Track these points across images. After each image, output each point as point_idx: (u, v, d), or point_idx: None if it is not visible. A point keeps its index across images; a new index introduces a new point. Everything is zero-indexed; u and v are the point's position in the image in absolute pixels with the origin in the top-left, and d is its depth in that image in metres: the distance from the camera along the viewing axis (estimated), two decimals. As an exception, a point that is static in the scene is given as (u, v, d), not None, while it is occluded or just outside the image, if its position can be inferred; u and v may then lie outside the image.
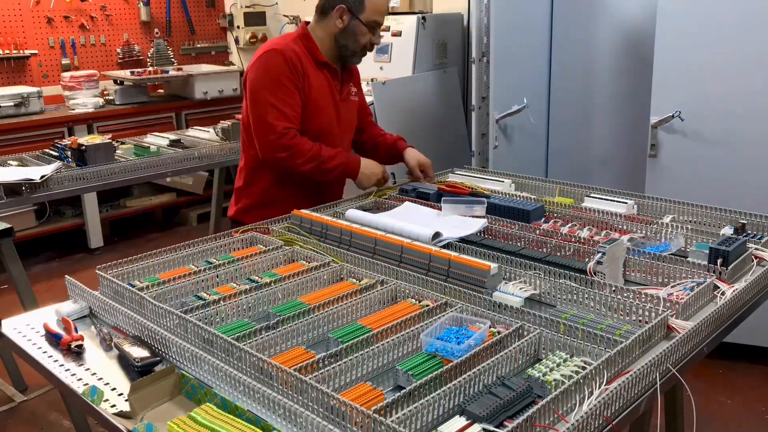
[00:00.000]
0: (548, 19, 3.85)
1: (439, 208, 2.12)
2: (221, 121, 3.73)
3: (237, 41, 5.91)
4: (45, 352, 1.49)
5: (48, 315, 1.62)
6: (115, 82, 5.06)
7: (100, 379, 1.37)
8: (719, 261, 1.64)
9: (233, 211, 2.49)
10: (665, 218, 2.04)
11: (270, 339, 1.37)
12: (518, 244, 1.87)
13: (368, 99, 3.94)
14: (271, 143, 2.24)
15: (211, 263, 1.77)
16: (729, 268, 1.63)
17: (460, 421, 1.13)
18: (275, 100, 2.23)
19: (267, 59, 2.28)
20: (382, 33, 2.44)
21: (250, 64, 2.34)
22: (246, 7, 5.81)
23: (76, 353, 1.47)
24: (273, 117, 2.22)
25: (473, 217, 2.04)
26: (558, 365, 1.26)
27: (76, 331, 1.54)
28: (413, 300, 1.56)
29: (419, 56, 4.15)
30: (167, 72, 5.26)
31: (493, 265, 1.59)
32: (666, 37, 2.96)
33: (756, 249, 1.78)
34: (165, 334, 1.40)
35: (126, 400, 1.25)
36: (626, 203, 2.10)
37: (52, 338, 1.53)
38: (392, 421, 1.06)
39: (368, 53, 2.45)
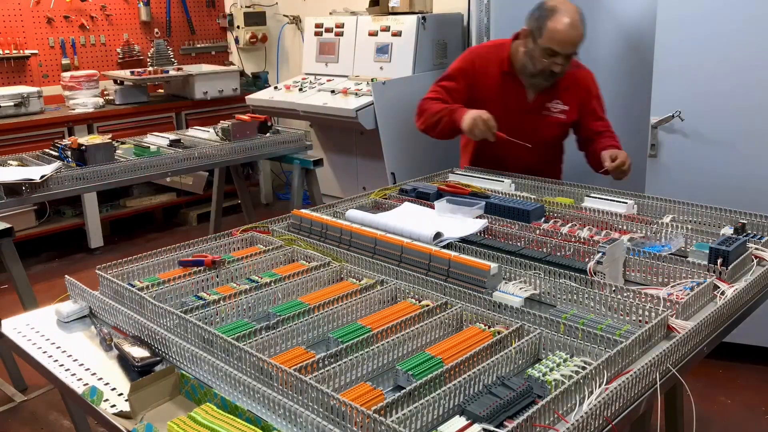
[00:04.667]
0: (548, 19, 3.83)
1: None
2: (221, 121, 3.73)
3: (237, 41, 5.91)
4: (45, 352, 1.49)
5: (48, 315, 1.62)
6: (115, 82, 5.06)
7: (100, 379, 1.37)
8: (719, 261, 1.64)
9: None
10: (665, 218, 2.04)
11: (270, 339, 1.37)
12: (518, 244, 1.87)
13: (368, 99, 3.96)
14: (419, 106, 2.71)
15: (211, 263, 1.77)
16: (729, 268, 1.63)
17: (460, 421, 1.13)
18: (441, 81, 2.70)
19: (463, 55, 2.75)
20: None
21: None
22: (246, 7, 5.81)
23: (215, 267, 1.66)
24: (430, 92, 2.69)
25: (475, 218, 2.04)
26: (558, 365, 1.26)
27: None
28: (413, 300, 1.56)
29: (419, 56, 4.15)
30: (167, 72, 5.26)
31: (493, 265, 1.59)
32: (666, 37, 2.96)
33: (756, 249, 1.78)
34: (165, 334, 1.40)
35: (126, 400, 1.25)
36: (626, 203, 2.10)
37: (192, 265, 1.70)
38: (392, 421, 1.06)
39: (550, 78, 2.55)
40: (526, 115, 2.63)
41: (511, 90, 2.63)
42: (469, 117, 2.47)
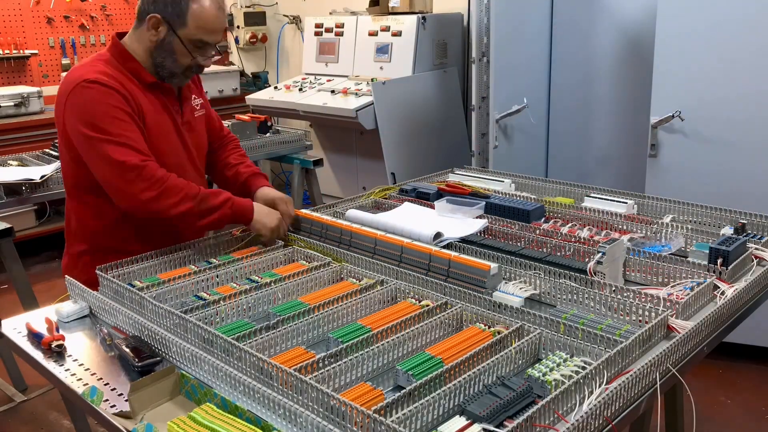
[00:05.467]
0: (548, 19, 3.85)
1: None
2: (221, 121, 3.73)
3: (237, 41, 5.91)
4: (45, 352, 1.49)
5: (48, 315, 1.62)
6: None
7: (100, 379, 1.37)
8: (719, 261, 1.64)
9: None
10: (665, 218, 2.03)
11: (270, 339, 1.37)
12: (518, 244, 1.87)
13: (368, 99, 3.96)
14: (128, 183, 1.77)
15: (211, 263, 1.77)
16: (729, 268, 1.63)
17: (460, 421, 1.13)
18: (112, 136, 1.78)
19: (82, 95, 1.82)
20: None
21: (59, 105, 1.91)
22: (246, 7, 5.81)
23: (57, 353, 1.47)
24: (119, 154, 1.76)
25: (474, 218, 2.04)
26: (558, 365, 1.26)
27: (58, 330, 1.54)
28: (413, 300, 1.56)
29: (419, 56, 4.15)
30: (167, 72, 5.25)
31: (493, 265, 1.59)
32: (666, 37, 2.96)
33: (756, 249, 1.78)
34: (165, 334, 1.40)
35: (126, 400, 1.25)
36: (626, 203, 2.10)
37: (34, 338, 1.54)
38: (392, 421, 1.06)
39: (191, 75, 1.96)
40: (185, 126, 2.00)
41: (164, 102, 1.94)
42: (262, 224, 1.88)
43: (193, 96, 2.07)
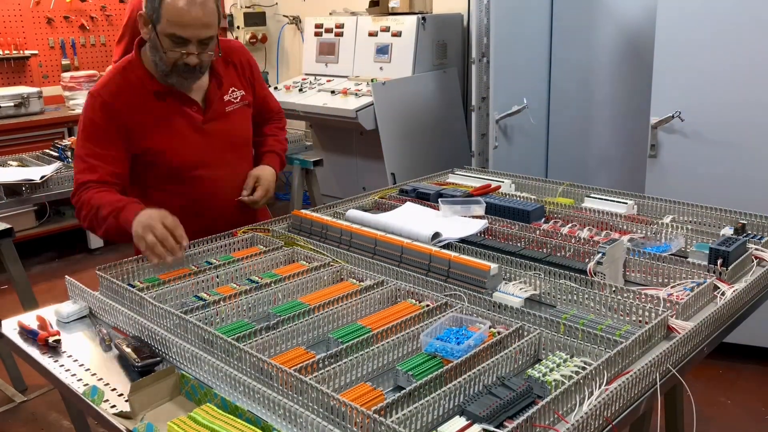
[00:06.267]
0: (548, 19, 3.85)
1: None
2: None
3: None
4: (45, 353, 1.49)
5: (48, 315, 1.62)
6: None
7: (100, 379, 1.37)
8: (719, 261, 1.64)
9: None
10: (665, 218, 2.03)
11: (270, 339, 1.37)
12: (518, 244, 1.87)
13: (368, 99, 3.96)
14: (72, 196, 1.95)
15: (211, 263, 1.77)
16: (729, 268, 1.63)
17: (460, 422, 1.13)
18: (82, 152, 1.92)
19: (85, 104, 1.96)
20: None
21: None
22: (246, 7, 5.81)
23: (53, 349, 1.48)
24: (78, 170, 1.93)
25: (473, 217, 2.04)
26: (558, 365, 1.26)
27: (52, 327, 1.55)
28: (413, 300, 1.56)
29: (419, 56, 4.15)
30: (167, 72, 5.26)
31: (493, 266, 1.59)
32: (666, 37, 2.96)
33: (756, 249, 1.78)
34: (165, 335, 1.40)
35: (126, 400, 1.25)
36: (626, 203, 2.10)
37: (28, 335, 1.54)
38: (392, 422, 1.06)
39: (191, 74, 1.92)
40: (210, 125, 2.02)
41: (178, 106, 1.97)
42: (141, 225, 1.72)
43: (232, 89, 2.09)
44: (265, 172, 2.13)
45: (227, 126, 2.08)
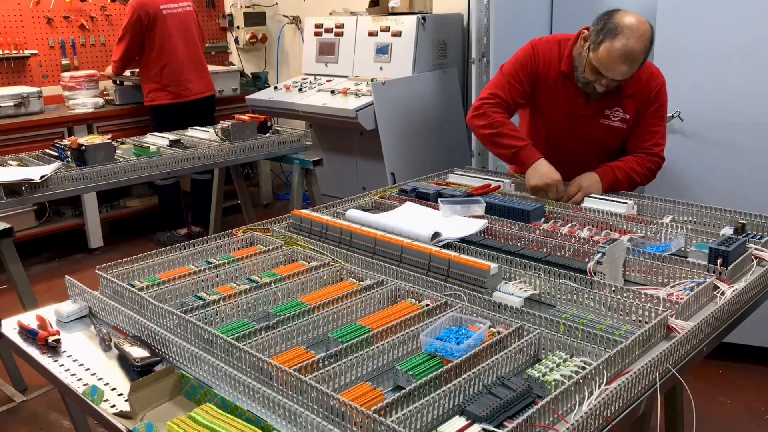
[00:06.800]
0: (548, 19, 3.85)
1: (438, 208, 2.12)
2: (221, 121, 3.73)
3: (237, 41, 5.91)
4: (45, 353, 1.49)
5: (48, 315, 1.62)
6: (115, 82, 5.06)
7: (100, 379, 1.37)
8: (719, 261, 1.64)
9: None
10: (665, 218, 2.04)
11: (270, 339, 1.37)
12: (518, 244, 1.87)
13: (368, 99, 3.96)
14: (475, 104, 2.48)
15: (211, 263, 1.77)
16: (729, 268, 1.63)
17: (460, 422, 1.13)
18: (503, 77, 2.46)
19: (525, 47, 2.47)
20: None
21: None
22: (246, 7, 5.81)
23: (53, 348, 1.48)
24: (493, 85, 2.47)
25: (473, 217, 2.04)
26: (558, 365, 1.26)
27: (52, 327, 1.54)
28: (413, 300, 1.56)
29: (419, 56, 4.15)
30: (167, 72, 5.25)
31: (493, 265, 1.59)
32: (666, 37, 2.96)
33: (756, 249, 1.78)
34: (165, 334, 1.40)
35: (126, 400, 1.25)
36: (626, 203, 2.10)
37: (28, 335, 1.54)
38: (392, 421, 1.06)
39: (595, 90, 2.32)
40: (582, 120, 2.43)
41: (570, 92, 2.41)
42: (537, 175, 2.27)
43: (617, 108, 2.41)
44: (588, 175, 2.33)
45: (593, 128, 2.43)
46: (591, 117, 2.42)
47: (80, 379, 1.37)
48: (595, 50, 2.19)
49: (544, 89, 2.44)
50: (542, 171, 2.28)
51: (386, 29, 4.27)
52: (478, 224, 1.95)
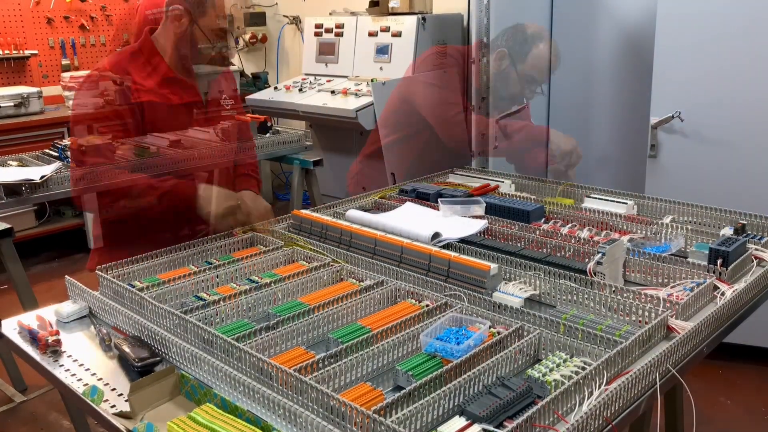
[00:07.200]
0: (548, 19, 3.84)
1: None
2: (221, 122, 3.72)
3: (237, 41, 5.90)
4: (45, 353, 1.48)
5: (48, 315, 1.62)
6: (115, 83, 5.06)
7: (100, 379, 1.37)
8: (719, 261, 1.64)
9: None
10: (665, 219, 2.03)
11: (270, 339, 1.37)
12: (518, 244, 1.87)
13: (367, 99, 3.96)
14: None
15: (211, 263, 1.77)
16: (729, 268, 1.63)
17: (460, 422, 1.13)
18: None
19: (86, 85, 2.08)
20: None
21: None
22: (246, 7, 5.81)
23: (53, 350, 1.48)
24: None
25: (473, 217, 2.04)
26: (558, 366, 1.26)
27: (52, 327, 1.54)
28: (413, 300, 1.56)
29: (419, 56, 4.15)
30: (167, 72, 5.25)
31: (493, 266, 1.59)
32: (666, 37, 2.96)
33: (756, 249, 1.78)
34: (165, 335, 1.40)
35: (126, 400, 1.25)
36: (626, 204, 2.10)
37: (28, 335, 1.54)
38: (392, 422, 1.06)
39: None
40: (207, 123, 2.21)
41: (182, 97, 2.20)
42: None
43: (225, 97, 2.29)
44: None
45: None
46: (214, 116, 2.35)
47: (80, 379, 1.37)
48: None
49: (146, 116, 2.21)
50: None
51: (386, 29, 4.27)
52: (478, 224, 1.95)
